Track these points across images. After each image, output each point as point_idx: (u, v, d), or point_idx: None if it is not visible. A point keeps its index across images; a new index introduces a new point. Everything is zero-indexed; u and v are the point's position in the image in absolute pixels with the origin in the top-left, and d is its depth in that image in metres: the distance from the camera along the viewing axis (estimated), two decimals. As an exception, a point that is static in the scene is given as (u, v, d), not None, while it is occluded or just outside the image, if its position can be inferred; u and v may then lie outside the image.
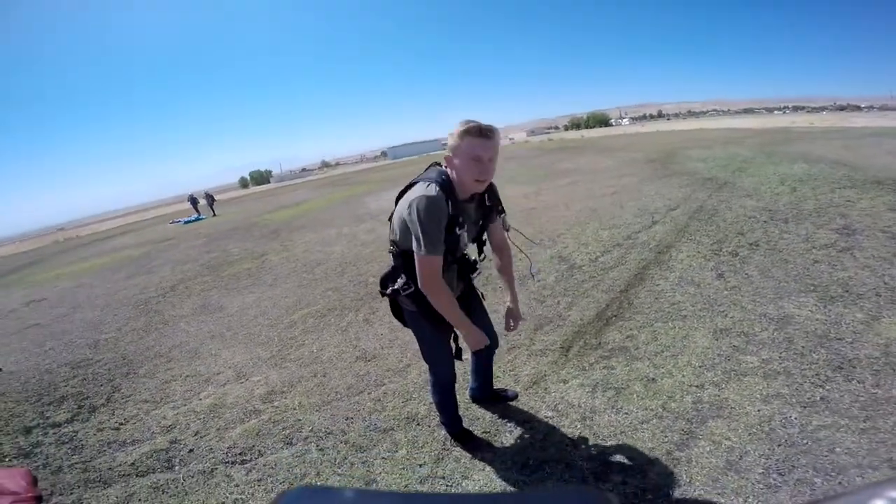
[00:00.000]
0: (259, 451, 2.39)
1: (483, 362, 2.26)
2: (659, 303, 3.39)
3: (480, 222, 1.75)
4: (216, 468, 2.33)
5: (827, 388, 2.21)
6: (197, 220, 20.13)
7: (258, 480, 2.17)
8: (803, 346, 2.58)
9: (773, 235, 4.50)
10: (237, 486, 2.17)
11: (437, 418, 2.31)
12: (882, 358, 2.39)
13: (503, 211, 1.80)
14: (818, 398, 2.15)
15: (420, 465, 2.08)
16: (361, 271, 5.52)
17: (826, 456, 1.81)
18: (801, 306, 3.03)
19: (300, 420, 2.61)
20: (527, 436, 2.18)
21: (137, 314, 5.53)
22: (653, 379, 2.46)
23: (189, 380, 3.44)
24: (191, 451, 2.52)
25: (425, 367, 2.87)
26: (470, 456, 2.09)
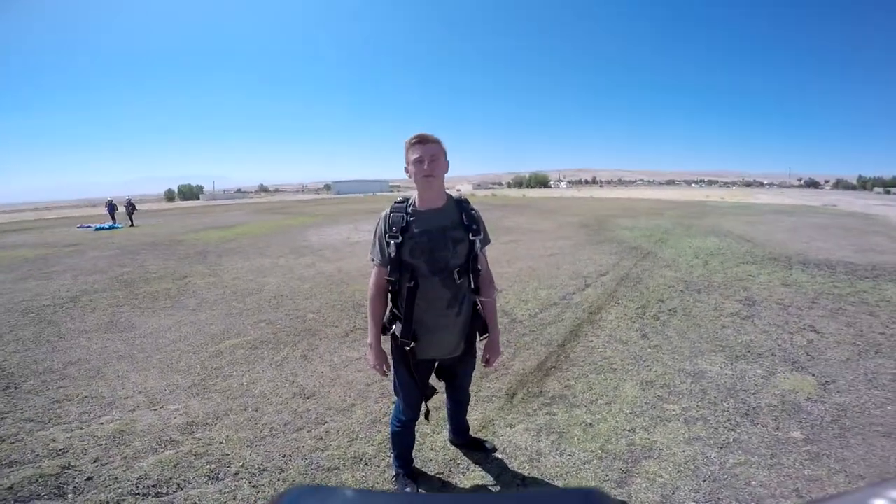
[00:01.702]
0: (178, 485, 2.16)
1: (452, 409, 2.29)
2: (592, 357, 3.62)
3: (463, 242, 1.75)
4: (123, 500, 2.07)
5: (738, 431, 2.52)
6: (111, 227, 18.31)
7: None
8: (715, 397, 2.92)
9: (688, 303, 5.03)
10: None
11: (387, 459, 2.25)
12: (779, 406, 2.80)
13: (484, 235, 1.83)
14: (731, 440, 2.44)
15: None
16: (299, 307, 5.20)
17: (744, 489, 2.05)
18: (712, 363, 3.42)
19: (228, 455, 2.39)
20: (479, 476, 2.19)
21: (26, 323, 4.88)
22: (590, 424, 2.61)
23: (88, 401, 3.06)
24: (89, 479, 2.22)
25: (372, 407, 2.87)
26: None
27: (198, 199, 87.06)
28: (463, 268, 1.76)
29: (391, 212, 1.73)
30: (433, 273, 1.70)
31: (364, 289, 5.69)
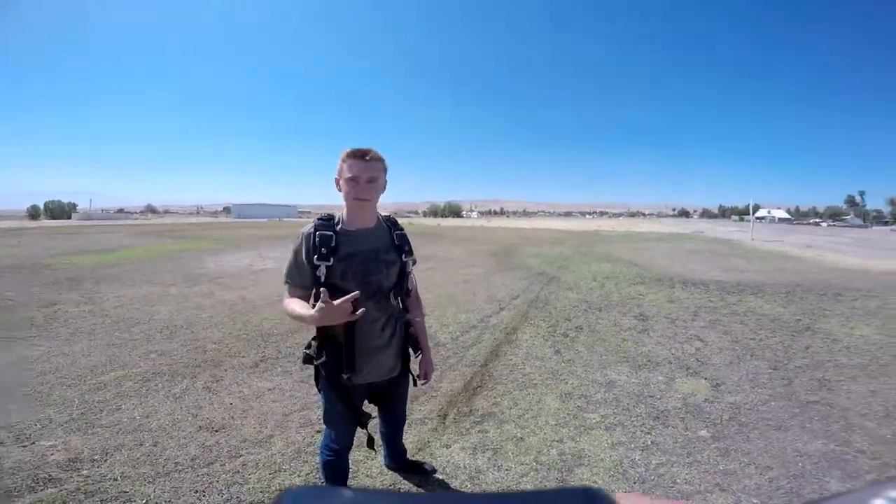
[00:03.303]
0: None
1: (388, 433, 2.19)
2: (514, 374, 3.76)
3: (395, 265, 1.71)
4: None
5: (653, 434, 2.75)
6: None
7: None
8: (628, 403, 3.18)
9: (591, 320, 5.50)
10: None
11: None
12: (683, 408, 3.12)
13: (412, 255, 1.80)
14: (650, 442, 2.65)
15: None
16: (198, 336, 4.70)
17: (673, 486, 2.21)
18: (619, 373, 3.75)
19: (127, 492, 2.08)
20: None
21: None
22: (521, 438, 2.68)
23: (-68, 440, 2.47)
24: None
25: (294, 438, 2.69)
26: None
27: (69, 218, 74.96)
28: (396, 288, 1.73)
29: (316, 230, 1.57)
30: (367, 297, 1.60)
31: (272, 317, 5.38)
